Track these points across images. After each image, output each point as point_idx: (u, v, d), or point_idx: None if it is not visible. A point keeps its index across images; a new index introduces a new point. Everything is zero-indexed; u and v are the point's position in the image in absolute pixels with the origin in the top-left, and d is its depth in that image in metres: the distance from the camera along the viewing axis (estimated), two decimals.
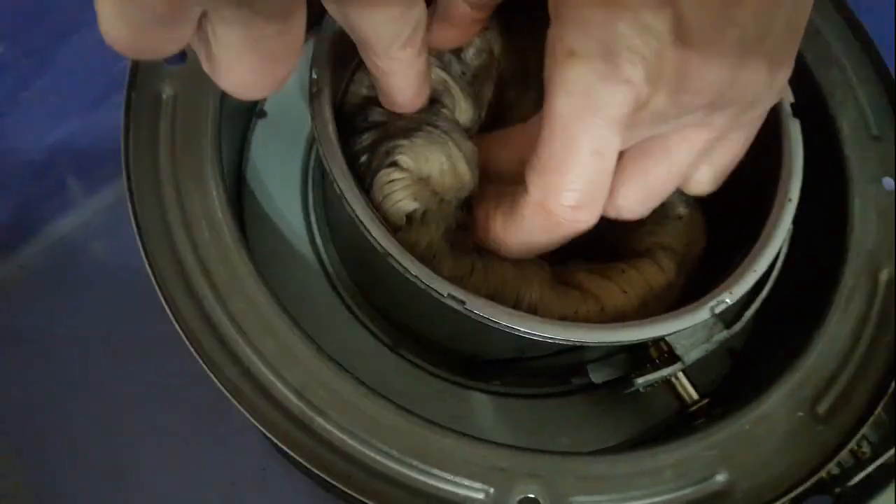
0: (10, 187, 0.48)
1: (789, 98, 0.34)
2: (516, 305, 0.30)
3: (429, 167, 0.31)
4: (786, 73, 0.26)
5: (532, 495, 0.27)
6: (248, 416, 0.27)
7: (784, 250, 0.34)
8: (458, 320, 0.28)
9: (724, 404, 0.33)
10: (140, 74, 0.32)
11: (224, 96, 0.33)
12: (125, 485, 0.42)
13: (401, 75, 0.30)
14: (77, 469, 0.43)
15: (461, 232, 0.33)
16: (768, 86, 0.26)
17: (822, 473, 0.30)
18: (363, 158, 0.32)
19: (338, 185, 0.29)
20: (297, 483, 0.43)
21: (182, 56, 0.33)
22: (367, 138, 0.32)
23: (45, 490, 0.42)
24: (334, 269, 0.38)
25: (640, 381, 0.31)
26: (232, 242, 0.30)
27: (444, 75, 0.34)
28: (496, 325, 0.28)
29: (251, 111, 0.41)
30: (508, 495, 0.27)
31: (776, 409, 0.31)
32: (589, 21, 0.23)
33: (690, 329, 0.31)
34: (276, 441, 0.26)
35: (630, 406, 0.37)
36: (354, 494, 0.26)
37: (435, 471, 0.27)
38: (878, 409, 0.31)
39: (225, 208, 0.31)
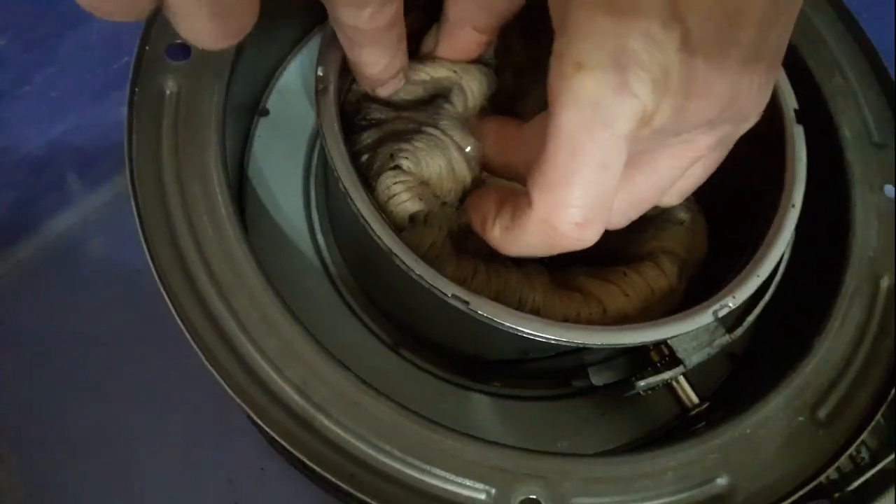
0: (8, 182, 0.48)
1: (793, 104, 0.34)
2: (519, 308, 0.30)
3: (429, 171, 0.31)
4: (770, 90, 0.26)
5: (533, 496, 0.27)
6: (248, 412, 0.26)
7: (787, 256, 0.34)
8: (461, 321, 0.28)
9: (725, 408, 0.33)
10: (144, 69, 0.32)
11: (228, 92, 0.33)
12: (123, 483, 0.42)
13: (369, 47, 0.30)
14: (75, 468, 0.42)
15: (464, 235, 0.33)
16: (759, 103, 0.26)
17: (822, 478, 0.30)
18: (364, 158, 0.32)
19: (343, 184, 0.29)
20: (295, 483, 0.42)
21: (186, 51, 0.33)
22: (367, 137, 0.32)
23: (44, 488, 0.42)
24: (336, 268, 0.38)
25: (641, 383, 0.31)
26: (235, 238, 0.30)
27: (454, 68, 0.33)
28: (500, 326, 0.28)
29: (253, 109, 0.41)
30: (510, 496, 0.27)
31: (777, 413, 0.31)
32: (598, 33, 0.22)
33: (693, 333, 0.31)
34: (277, 437, 0.26)
35: (630, 410, 0.37)
36: (355, 493, 0.26)
37: (436, 470, 0.27)
38: (881, 413, 0.31)
39: (228, 203, 0.30)
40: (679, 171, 0.27)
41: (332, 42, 0.32)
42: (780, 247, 0.31)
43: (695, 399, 0.34)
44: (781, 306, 0.35)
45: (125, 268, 0.46)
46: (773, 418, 0.31)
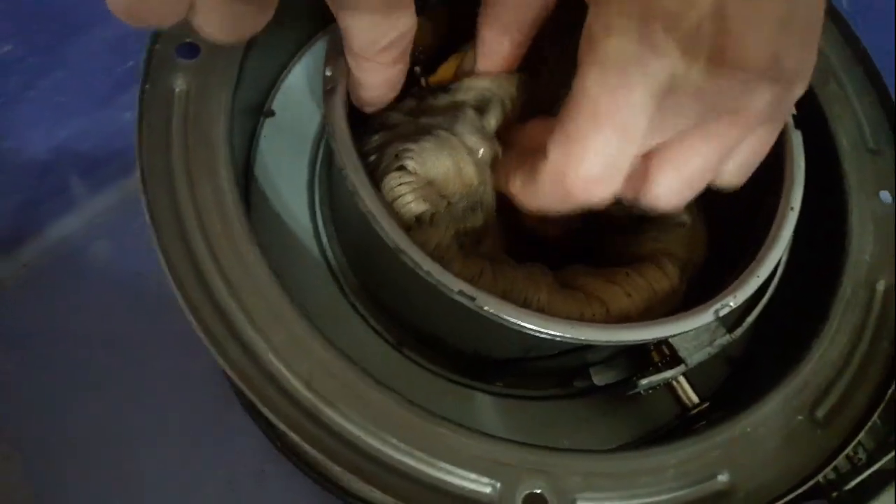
0: (14, 186, 0.48)
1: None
2: (524, 307, 0.31)
3: (435, 171, 0.31)
4: (814, 51, 0.25)
5: (538, 491, 0.28)
6: (258, 404, 0.27)
7: (785, 259, 0.34)
8: (466, 319, 0.29)
9: (724, 409, 0.34)
10: (153, 68, 0.33)
11: (236, 91, 0.33)
12: (124, 484, 0.42)
13: (371, 75, 0.31)
14: (77, 468, 0.42)
15: (471, 237, 0.33)
16: (805, 62, 0.25)
17: (819, 478, 0.31)
18: (372, 158, 0.32)
19: (351, 182, 0.30)
20: (296, 483, 0.43)
21: (195, 50, 0.33)
22: (377, 139, 0.33)
23: (45, 489, 0.42)
24: (340, 266, 0.38)
25: (643, 382, 0.32)
26: (244, 235, 0.30)
27: (491, 83, 0.34)
28: (505, 323, 0.28)
29: (259, 109, 0.41)
30: (515, 490, 0.27)
31: (776, 412, 0.32)
32: (626, 17, 0.23)
33: (694, 332, 0.31)
34: (286, 430, 0.26)
35: (631, 409, 0.38)
36: (364, 483, 0.26)
37: (442, 464, 0.27)
38: (878, 413, 0.31)
39: (236, 201, 0.31)
40: (728, 144, 0.27)
41: (340, 43, 0.32)
42: (779, 248, 0.32)
43: (695, 399, 0.34)
44: (780, 309, 0.35)
45: (129, 271, 0.46)
46: (772, 417, 0.32)
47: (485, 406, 0.37)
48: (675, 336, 0.31)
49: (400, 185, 0.31)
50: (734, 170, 0.29)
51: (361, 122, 0.33)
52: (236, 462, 0.43)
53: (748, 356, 0.40)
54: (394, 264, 0.29)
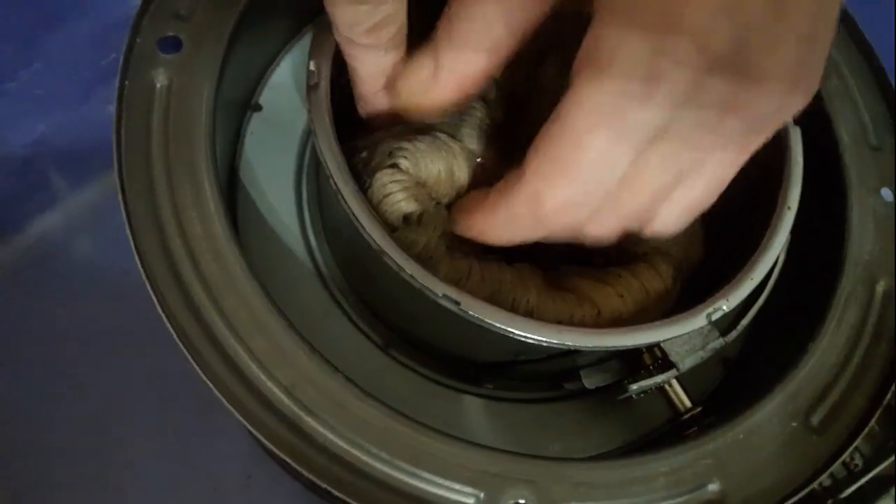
0: None
1: None
2: (513, 309, 0.30)
3: (427, 173, 0.31)
4: (822, 69, 0.24)
5: (523, 501, 0.27)
6: (235, 414, 0.26)
7: (781, 259, 0.33)
8: (453, 322, 0.28)
9: (717, 413, 0.33)
10: (134, 62, 0.32)
11: (219, 87, 0.32)
12: (108, 487, 0.42)
13: (365, 65, 0.29)
14: (57, 471, 0.42)
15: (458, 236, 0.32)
16: (814, 82, 0.24)
17: (815, 485, 0.30)
18: (363, 154, 0.32)
19: (333, 181, 0.29)
20: (283, 488, 0.42)
21: (177, 44, 0.33)
22: (373, 137, 0.32)
23: (27, 492, 0.41)
24: (327, 267, 0.38)
25: (633, 386, 0.31)
26: (223, 236, 0.29)
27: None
28: (490, 328, 0.27)
29: (246, 104, 0.40)
30: (499, 500, 0.27)
31: (770, 418, 0.31)
32: (640, 29, 0.21)
33: (686, 336, 0.31)
34: (263, 440, 0.26)
35: (622, 413, 0.37)
36: (343, 497, 0.25)
37: (425, 474, 0.27)
38: (875, 419, 0.31)
39: (217, 200, 0.30)
40: (729, 172, 0.26)
41: (324, 37, 0.31)
42: (774, 250, 0.31)
43: (687, 403, 0.33)
44: (777, 310, 0.35)
45: (111, 268, 0.45)
46: (766, 424, 0.31)
47: (473, 409, 0.36)
48: (666, 341, 0.30)
49: (391, 182, 0.30)
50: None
51: (351, 119, 0.32)
52: (222, 466, 0.42)
53: (744, 358, 0.39)
54: (378, 266, 0.28)
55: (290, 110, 0.40)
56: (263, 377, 0.27)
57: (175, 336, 0.27)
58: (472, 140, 0.33)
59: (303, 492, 0.41)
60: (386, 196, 0.30)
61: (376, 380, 0.35)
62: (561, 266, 0.34)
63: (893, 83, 0.39)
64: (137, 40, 0.32)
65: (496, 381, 0.36)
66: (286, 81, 0.41)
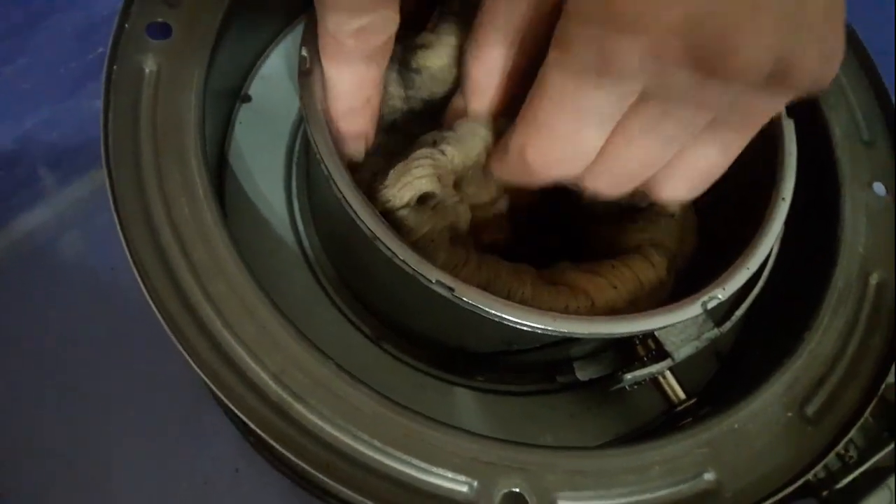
0: None
1: None
2: (507, 299, 0.30)
3: (466, 156, 0.31)
4: (837, 49, 0.23)
5: (517, 489, 0.26)
6: (225, 400, 0.25)
7: (776, 250, 0.33)
8: (445, 310, 0.28)
9: (712, 404, 0.33)
10: (122, 47, 0.31)
11: (209, 74, 0.32)
12: (97, 484, 0.41)
13: (344, 76, 0.29)
14: (46, 469, 0.41)
15: (465, 233, 0.32)
16: (820, 67, 0.22)
17: (810, 476, 0.30)
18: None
19: (325, 167, 0.28)
20: (271, 483, 0.41)
21: (167, 30, 0.32)
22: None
23: (12, 492, 0.40)
24: (317, 257, 0.37)
25: (628, 376, 0.31)
26: (212, 222, 0.29)
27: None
28: (484, 314, 0.27)
29: (235, 94, 0.40)
30: (493, 489, 0.26)
31: (766, 408, 0.31)
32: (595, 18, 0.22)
33: (681, 325, 0.30)
34: (252, 426, 0.25)
35: (616, 405, 0.36)
36: (333, 483, 0.25)
37: (418, 462, 0.26)
38: (869, 410, 0.31)
39: (206, 187, 0.30)
40: (727, 147, 0.26)
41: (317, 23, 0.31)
42: (769, 240, 0.31)
43: (681, 395, 0.33)
44: (771, 302, 0.35)
45: (101, 265, 0.45)
46: (761, 414, 0.31)
47: (466, 401, 0.36)
48: (660, 329, 0.30)
49: (425, 157, 0.30)
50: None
51: None
52: (211, 461, 0.42)
53: (738, 350, 0.39)
54: (371, 253, 0.28)
55: (280, 101, 0.40)
56: (252, 363, 0.27)
57: (163, 323, 0.27)
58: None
59: (289, 484, 0.41)
60: (414, 168, 0.30)
61: (367, 372, 0.34)
62: (557, 264, 0.34)
63: (885, 78, 0.40)
64: (126, 25, 0.32)
65: (488, 373, 0.36)
66: (277, 73, 0.41)
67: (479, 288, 0.28)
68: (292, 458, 0.25)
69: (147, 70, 0.31)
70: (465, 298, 0.27)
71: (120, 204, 0.29)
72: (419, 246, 0.29)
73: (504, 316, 0.27)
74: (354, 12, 0.26)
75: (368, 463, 0.26)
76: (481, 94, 0.30)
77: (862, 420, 0.31)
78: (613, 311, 0.31)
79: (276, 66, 0.41)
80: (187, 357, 0.26)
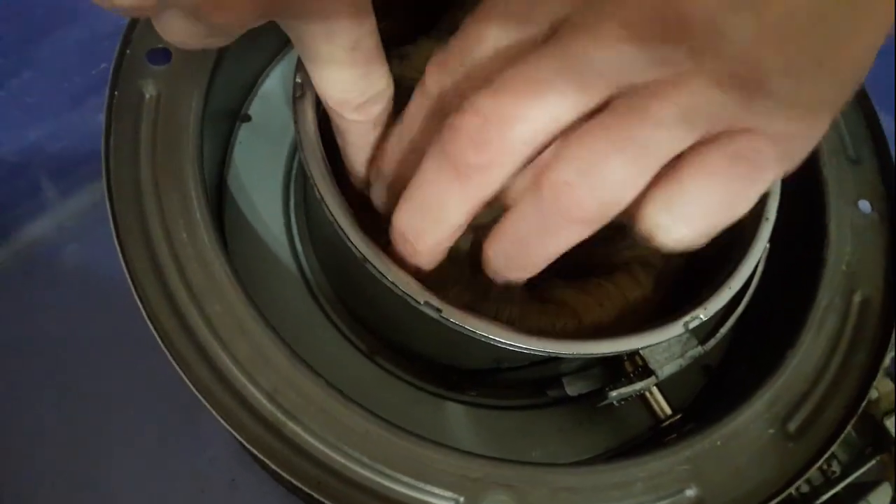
0: None
1: None
2: (495, 318, 0.30)
3: None
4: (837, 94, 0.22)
5: None
6: (218, 417, 0.26)
7: (760, 268, 0.34)
8: (435, 329, 0.28)
9: (697, 420, 0.33)
10: (123, 72, 0.32)
11: (208, 98, 0.33)
12: (93, 492, 0.42)
13: (353, 137, 0.30)
14: (43, 477, 0.42)
15: (465, 253, 0.33)
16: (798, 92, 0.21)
17: (792, 490, 0.31)
18: None
19: (318, 190, 0.29)
20: (268, 492, 0.42)
21: (167, 55, 0.33)
22: None
23: (15, 494, 0.41)
24: (314, 276, 0.38)
25: (613, 394, 0.31)
26: (209, 243, 0.30)
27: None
28: (471, 335, 0.28)
29: (236, 114, 0.41)
30: None
31: (747, 425, 0.31)
32: None
33: (665, 344, 0.31)
34: (245, 445, 0.26)
35: (605, 420, 0.37)
36: (324, 500, 0.26)
37: (405, 478, 0.27)
38: (849, 428, 0.31)
39: (203, 209, 0.30)
40: (737, 183, 0.22)
41: None
42: (752, 260, 0.32)
43: (667, 410, 0.34)
44: (757, 319, 0.35)
45: (101, 276, 0.46)
46: (743, 431, 0.31)
47: (458, 416, 0.37)
48: (643, 349, 0.30)
49: None
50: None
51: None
52: (208, 470, 0.42)
53: (725, 366, 0.39)
54: (362, 274, 0.29)
55: (279, 120, 0.41)
56: (246, 382, 0.28)
57: (159, 341, 0.28)
58: None
59: (286, 495, 0.41)
60: None
61: (361, 386, 0.36)
62: (546, 279, 0.34)
63: (872, 97, 0.40)
64: (127, 51, 0.33)
65: (480, 388, 0.37)
66: (275, 92, 0.42)
67: (469, 306, 0.29)
68: (285, 475, 0.26)
69: (147, 95, 0.32)
70: (452, 319, 0.28)
71: (120, 225, 0.30)
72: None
73: (491, 337, 0.28)
74: (353, 93, 0.28)
75: (358, 479, 0.27)
76: None
77: (845, 435, 0.32)
78: (600, 329, 0.32)
79: (276, 86, 0.42)
80: (182, 375, 0.27)
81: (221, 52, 0.34)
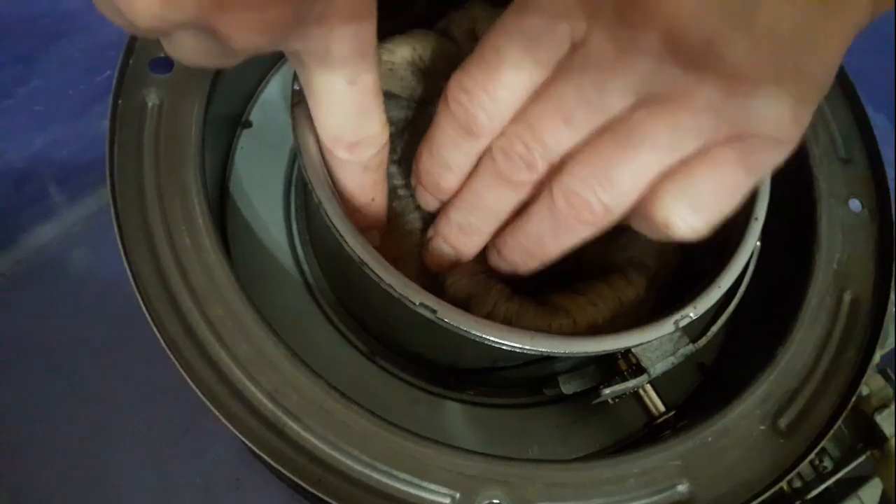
0: None
1: None
2: (491, 318, 0.31)
3: None
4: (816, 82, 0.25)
5: (497, 501, 0.28)
6: (220, 418, 0.27)
7: (751, 268, 0.35)
8: (432, 330, 0.29)
9: (690, 417, 0.34)
10: (127, 82, 0.33)
11: (209, 105, 0.34)
12: (99, 491, 0.43)
13: (347, 178, 0.31)
14: (51, 476, 0.43)
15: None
16: (774, 82, 0.24)
17: (783, 485, 0.31)
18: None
19: (316, 195, 0.30)
20: (271, 491, 0.43)
21: (169, 65, 0.34)
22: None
23: (25, 492, 0.42)
24: (314, 279, 0.39)
25: (607, 391, 0.32)
26: (211, 248, 0.31)
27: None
28: (466, 335, 0.28)
29: (237, 120, 0.41)
30: (473, 500, 0.28)
31: (739, 422, 0.32)
32: None
33: (657, 342, 0.32)
34: (248, 443, 0.27)
35: (600, 418, 0.38)
36: (323, 497, 0.27)
37: (403, 475, 0.28)
38: (839, 424, 0.32)
39: (206, 215, 0.31)
40: (740, 174, 0.26)
41: None
42: (741, 259, 0.32)
43: (661, 407, 0.34)
44: (749, 316, 0.36)
45: (106, 280, 0.47)
46: (734, 427, 0.32)
47: (456, 414, 0.37)
48: (635, 347, 0.31)
49: None
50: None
51: None
52: (212, 469, 0.43)
53: (719, 364, 0.40)
54: (360, 277, 0.30)
55: (280, 127, 0.41)
56: (248, 382, 0.28)
57: (163, 343, 0.28)
58: None
59: (290, 494, 0.42)
60: None
61: (363, 387, 0.36)
62: (542, 283, 0.35)
63: (863, 97, 0.41)
64: (130, 61, 0.34)
65: (478, 387, 0.37)
66: (276, 99, 0.42)
67: (465, 301, 0.29)
68: (286, 473, 0.26)
69: (150, 104, 0.33)
70: (446, 319, 0.28)
71: (124, 230, 0.31)
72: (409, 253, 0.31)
73: (485, 336, 0.28)
74: (347, 130, 0.29)
75: (357, 477, 0.28)
76: None
77: (836, 431, 0.32)
78: (595, 328, 0.33)
79: (277, 93, 0.43)
80: (186, 377, 0.28)
81: None
